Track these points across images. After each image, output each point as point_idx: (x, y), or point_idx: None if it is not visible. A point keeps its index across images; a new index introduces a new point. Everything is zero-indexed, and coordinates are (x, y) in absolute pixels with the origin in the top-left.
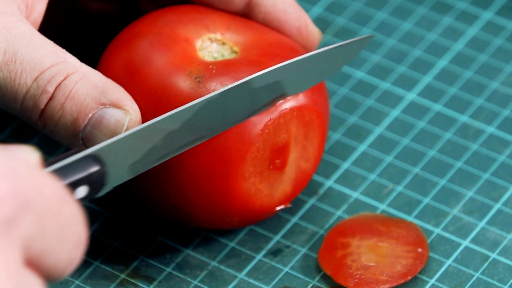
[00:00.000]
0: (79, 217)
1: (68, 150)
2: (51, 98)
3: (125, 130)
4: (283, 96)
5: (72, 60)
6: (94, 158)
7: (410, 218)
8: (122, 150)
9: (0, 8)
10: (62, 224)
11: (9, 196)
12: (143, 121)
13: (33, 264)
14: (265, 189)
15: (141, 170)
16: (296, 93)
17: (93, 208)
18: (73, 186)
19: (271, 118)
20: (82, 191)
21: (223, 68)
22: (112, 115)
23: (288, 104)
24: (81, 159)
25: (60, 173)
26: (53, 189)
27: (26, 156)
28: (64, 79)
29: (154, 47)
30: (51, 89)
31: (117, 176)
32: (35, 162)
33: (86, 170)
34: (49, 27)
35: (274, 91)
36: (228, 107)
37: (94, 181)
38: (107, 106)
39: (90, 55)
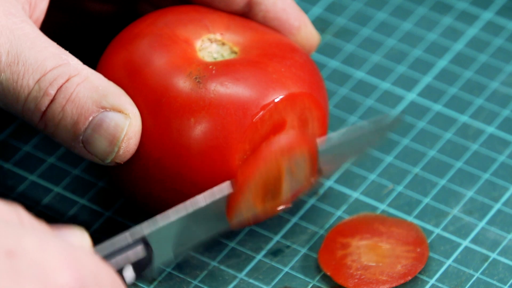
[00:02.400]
0: None
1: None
2: (52, 101)
3: (125, 135)
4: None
5: (74, 63)
6: (142, 241)
7: (410, 218)
8: (168, 234)
9: (5, 8)
10: None
11: (72, 284)
12: (143, 122)
13: None
14: None
15: (184, 252)
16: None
17: (93, 208)
18: (121, 269)
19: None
20: (129, 273)
21: (223, 68)
22: (112, 119)
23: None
24: (130, 244)
25: (111, 257)
26: (108, 276)
27: (80, 240)
28: (66, 81)
29: (154, 48)
30: (52, 92)
31: (161, 258)
32: (88, 246)
33: (134, 255)
34: (49, 28)
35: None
36: None
37: (141, 264)
38: (107, 109)
39: (90, 55)
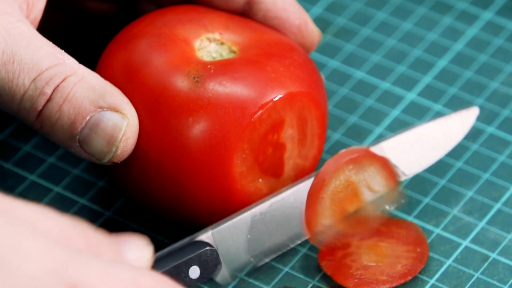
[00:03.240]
0: None
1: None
2: (48, 100)
3: (123, 135)
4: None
5: (70, 62)
6: (204, 242)
7: (410, 218)
8: (235, 235)
9: (1, 7)
10: None
11: None
12: (141, 121)
13: None
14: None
15: (261, 258)
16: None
17: (93, 208)
18: (184, 266)
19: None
20: (195, 271)
21: (221, 68)
22: (110, 119)
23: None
24: (193, 242)
25: (170, 256)
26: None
27: (141, 254)
28: (62, 81)
29: (153, 48)
30: (49, 91)
31: (234, 260)
32: (149, 257)
33: (195, 251)
34: (48, 27)
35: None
36: None
37: (206, 262)
38: (104, 109)
39: (89, 55)
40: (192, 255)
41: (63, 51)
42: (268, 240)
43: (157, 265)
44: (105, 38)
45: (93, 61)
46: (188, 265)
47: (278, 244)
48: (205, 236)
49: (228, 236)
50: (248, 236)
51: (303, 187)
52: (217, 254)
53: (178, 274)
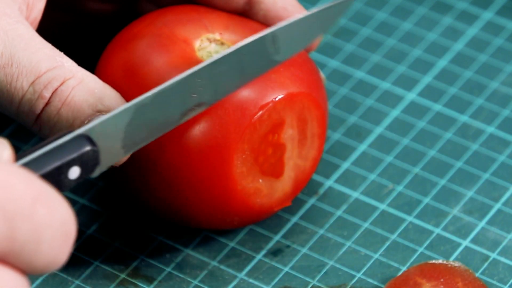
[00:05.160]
0: (61, 217)
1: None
2: (47, 104)
3: None
4: (272, 63)
5: (69, 65)
6: (84, 138)
7: (410, 218)
8: (113, 128)
9: (0, 8)
10: (36, 225)
11: None
12: None
13: (6, 261)
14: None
15: (134, 147)
16: (282, 60)
17: (93, 208)
18: (65, 167)
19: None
20: (75, 172)
21: None
22: None
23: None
24: (70, 140)
25: (49, 156)
26: (25, 187)
27: None
28: (61, 84)
29: (153, 48)
30: (47, 94)
31: (109, 155)
32: (7, 157)
33: (76, 150)
34: (48, 27)
35: (262, 59)
36: (218, 77)
37: (86, 161)
38: (103, 113)
39: (89, 55)
40: (73, 156)
41: (62, 53)
42: (143, 132)
43: (36, 164)
44: (105, 38)
45: (93, 61)
46: (68, 166)
47: (151, 134)
48: (85, 129)
49: (108, 129)
50: (126, 128)
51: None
52: (98, 154)
53: (58, 175)
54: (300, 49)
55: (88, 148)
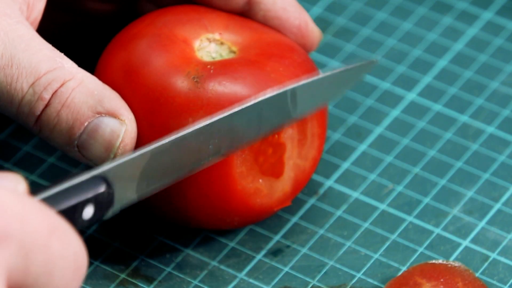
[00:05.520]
0: (74, 250)
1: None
2: (47, 105)
3: (121, 141)
4: (289, 120)
5: (69, 66)
6: (101, 178)
7: (410, 218)
8: (129, 171)
9: (0, 9)
10: (51, 257)
11: None
12: (141, 122)
13: None
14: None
15: (147, 191)
16: (300, 117)
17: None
18: (80, 206)
19: None
20: (89, 211)
21: (221, 68)
22: (108, 125)
23: None
24: (87, 180)
25: (65, 193)
26: (42, 220)
27: (13, 185)
28: (61, 86)
29: (153, 48)
30: (47, 96)
31: (123, 198)
32: (22, 190)
33: (92, 190)
34: (47, 28)
35: (280, 114)
36: (236, 128)
37: (100, 202)
38: (103, 115)
39: (88, 55)
40: (88, 195)
41: (62, 54)
42: (158, 177)
43: (51, 200)
44: (105, 38)
45: (92, 61)
46: (83, 205)
47: (165, 180)
48: (102, 170)
49: (123, 172)
50: (141, 172)
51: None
52: (113, 195)
53: (72, 214)
54: (318, 107)
55: (103, 189)
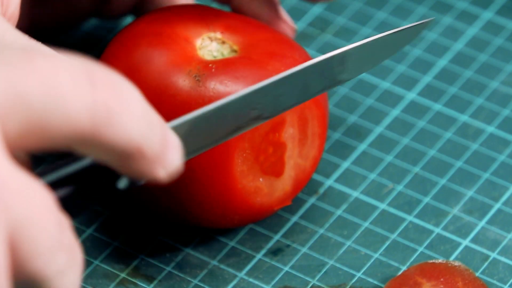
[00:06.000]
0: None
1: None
2: None
3: None
4: (337, 81)
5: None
6: None
7: (410, 218)
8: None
9: None
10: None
11: None
12: None
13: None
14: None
15: (186, 158)
16: (348, 78)
17: (93, 208)
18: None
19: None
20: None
21: (222, 67)
22: None
23: None
24: None
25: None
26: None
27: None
28: None
29: (154, 47)
30: None
31: None
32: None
33: None
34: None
35: (326, 78)
36: (281, 93)
37: None
38: None
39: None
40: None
41: (39, 43)
42: (198, 142)
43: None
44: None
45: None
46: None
47: (204, 145)
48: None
49: None
50: (183, 138)
51: None
52: None
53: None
54: (367, 70)
55: None
